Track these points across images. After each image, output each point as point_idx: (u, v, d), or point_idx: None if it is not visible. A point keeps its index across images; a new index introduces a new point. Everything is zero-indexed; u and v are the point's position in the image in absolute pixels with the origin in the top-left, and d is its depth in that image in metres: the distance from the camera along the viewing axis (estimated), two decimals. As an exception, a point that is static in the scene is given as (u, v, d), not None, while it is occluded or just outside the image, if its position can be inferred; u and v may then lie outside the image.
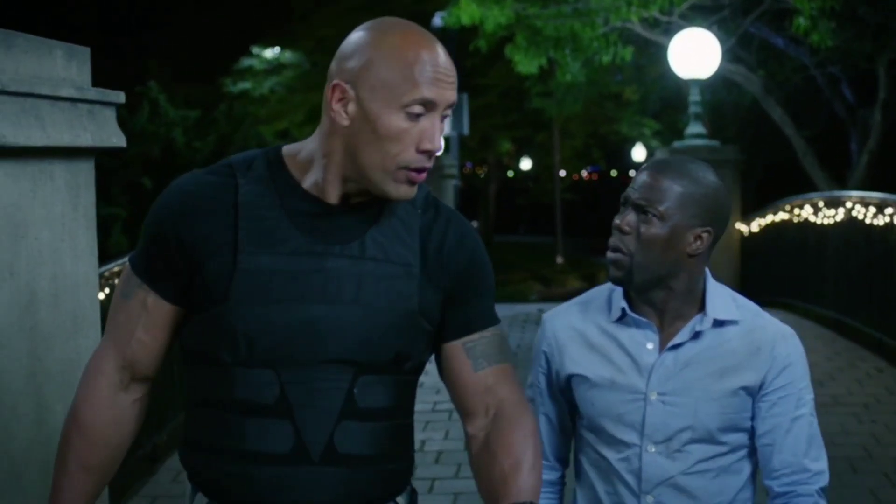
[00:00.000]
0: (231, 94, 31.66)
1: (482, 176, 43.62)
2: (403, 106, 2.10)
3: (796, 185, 18.12)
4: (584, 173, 48.22)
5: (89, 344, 3.40)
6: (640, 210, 2.47)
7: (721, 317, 2.55)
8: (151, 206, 2.27)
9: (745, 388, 2.54)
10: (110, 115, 3.51)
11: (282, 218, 2.17)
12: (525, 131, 36.17)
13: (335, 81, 2.13)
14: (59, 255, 3.30)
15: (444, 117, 2.16)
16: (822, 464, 2.59)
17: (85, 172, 3.47)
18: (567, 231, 38.45)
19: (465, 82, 23.33)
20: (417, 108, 2.11)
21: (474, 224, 41.76)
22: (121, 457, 2.34)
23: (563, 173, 40.98)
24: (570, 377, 2.62)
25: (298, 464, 2.16)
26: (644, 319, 2.55)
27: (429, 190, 2.34)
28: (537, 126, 34.53)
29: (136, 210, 19.76)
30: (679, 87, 18.20)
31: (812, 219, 11.80)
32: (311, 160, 2.20)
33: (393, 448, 2.26)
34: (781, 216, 13.03)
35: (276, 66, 33.83)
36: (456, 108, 13.78)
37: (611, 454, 2.58)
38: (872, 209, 9.85)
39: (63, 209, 3.33)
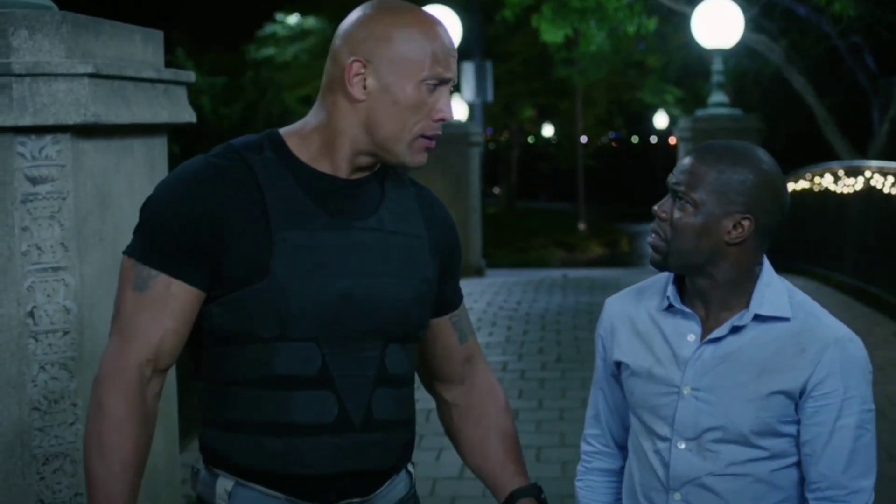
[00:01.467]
0: (255, 61, 31.88)
1: (504, 142, 43.74)
2: (422, 80, 2.23)
3: (819, 154, 18.30)
4: (607, 139, 48.32)
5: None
6: (676, 196, 2.38)
7: (765, 312, 2.39)
8: (153, 195, 2.29)
9: (785, 392, 2.37)
10: (182, 93, 3.82)
11: (302, 196, 2.24)
12: (548, 98, 36.31)
13: (352, 59, 2.23)
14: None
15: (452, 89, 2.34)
16: (863, 482, 2.37)
17: (159, 147, 3.79)
18: (589, 198, 38.65)
19: (489, 49, 23.51)
20: (433, 81, 2.24)
21: (496, 190, 41.55)
22: (149, 452, 2.31)
23: (584, 139, 41.15)
24: (617, 363, 2.56)
25: (343, 432, 2.25)
26: (688, 310, 2.44)
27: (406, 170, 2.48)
28: (560, 93, 34.68)
29: (166, 176, 20.01)
30: (701, 56, 18.37)
31: (832, 187, 12.04)
32: (316, 139, 2.29)
33: (412, 413, 2.40)
34: (802, 184, 13.27)
35: (299, 33, 33.98)
36: (480, 75, 13.93)
37: (647, 445, 2.49)
38: (891, 178, 10.09)
39: (141, 181, 3.64)
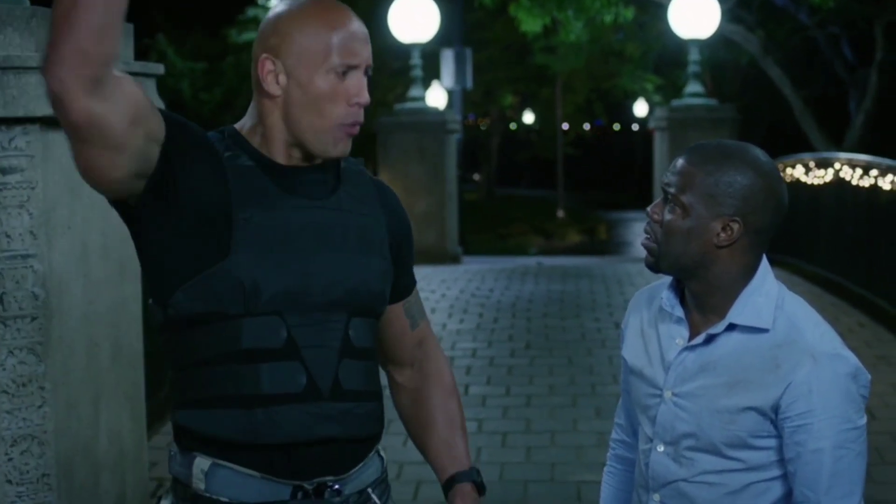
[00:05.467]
0: (236, 45, 31.82)
1: (484, 129, 43.77)
2: (329, 69, 2.27)
3: (795, 145, 18.44)
4: (587, 127, 48.36)
5: (134, 291, 3.82)
6: (667, 197, 2.35)
7: (740, 322, 2.34)
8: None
9: (756, 409, 2.31)
10: (151, 85, 3.91)
11: (262, 177, 2.31)
12: (528, 86, 36.36)
13: (263, 56, 2.29)
14: (106, 212, 3.70)
15: (367, 74, 2.34)
16: (845, 503, 2.30)
17: (128, 137, 3.87)
18: (568, 185, 38.74)
19: (469, 36, 23.54)
20: (341, 69, 2.28)
21: (476, 177, 41.40)
22: None
23: (565, 126, 41.22)
24: (624, 358, 2.57)
25: (312, 401, 2.29)
26: (677, 313, 2.42)
27: (362, 160, 2.55)
28: (540, 81, 34.72)
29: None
30: (679, 45, 18.50)
31: (803, 179, 12.16)
32: (257, 135, 2.35)
33: (379, 386, 2.45)
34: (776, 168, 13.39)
35: (281, 17, 33.80)
36: (459, 62, 13.95)
37: (640, 443, 2.50)
38: (859, 171, 10.21)
39: (110, 170, 3.72)
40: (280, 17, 2.32)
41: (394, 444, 6.46)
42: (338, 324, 2.33)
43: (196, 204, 2.25)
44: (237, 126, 2.40)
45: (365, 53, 2.33)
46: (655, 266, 2.38)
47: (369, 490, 2.43)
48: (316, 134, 2.33)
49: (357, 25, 2.32)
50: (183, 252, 2.26)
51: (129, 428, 4.05)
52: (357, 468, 2.40)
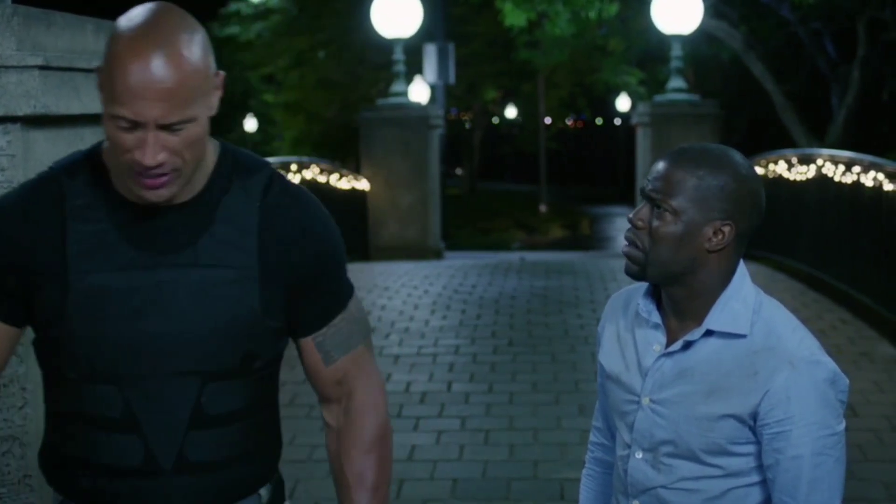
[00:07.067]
0: (218, 39, 31.77)
1: (467, 124, 43.78)
2: (111, 115, 2.00)
3: (777, 141, 18.49)
4: (570, 122, 48.43)
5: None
6: (654, 203, 2.29)
7: (717, 328, 2.31)
8: None
9: (734, 416, 2.29)
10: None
11: (110, 230, 2.11)
12: (511, 81, 36.40)
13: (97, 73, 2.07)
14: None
15: (173, 130, 2.01)
16: None
17: (110, 135, 3.86)
18: (551, 180, 38.79)
19: (452, 30, 23.54)
20: (122, 122, 1.99)
21: (458, 172, 41.51)
22: None
23: (548, 121, 41.26)
24: (601, 364, 2.54)
25: (151, 476, 2.16)
26: (654, 319, 2.38)
27: (272, 173, 2.23)
28: (523, 76, 34.76)
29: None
30: (662, 40, 18.52)
31: (786, 175, 12.19)
32: (111, 159, 2.12)
33: (249, 447, 2.25)
34: (757, 171, 13.42)
35: (263, 11, 33.86)
36: (442, 57, 13.97)
37: (619, 448, 2.47)
38: (842, 167, 10.23)
39: (92, 169, 3.71)
40: (112, 32, 2.06)
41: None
42: (187, 391, 2.15)
43: (27, 286, 2.14)
44: (104, 145, 2.16)
45: (149, 111, 1.98)
46: (641, 275, 2.32)
47: None
48: (120, 174, 2.10)
49: (152, 76, 1.97)
50: (33, 303, 2.16)
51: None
52: None
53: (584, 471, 2.74)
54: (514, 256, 15.43)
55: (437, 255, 14.53)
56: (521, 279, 11.53)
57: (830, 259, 10.59)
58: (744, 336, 2.30)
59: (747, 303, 2.32)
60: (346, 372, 2.33)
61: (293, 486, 5.80)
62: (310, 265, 2.23)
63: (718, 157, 2.30)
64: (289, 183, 2.26)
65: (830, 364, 2.29)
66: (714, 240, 2.28)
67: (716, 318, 2.30)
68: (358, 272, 12.11)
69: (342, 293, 2.31)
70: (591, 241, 28.36)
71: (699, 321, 2.32)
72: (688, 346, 2.33)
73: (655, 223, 2.28)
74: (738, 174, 2.28)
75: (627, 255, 2.32)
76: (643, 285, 2.42)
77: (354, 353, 2.34)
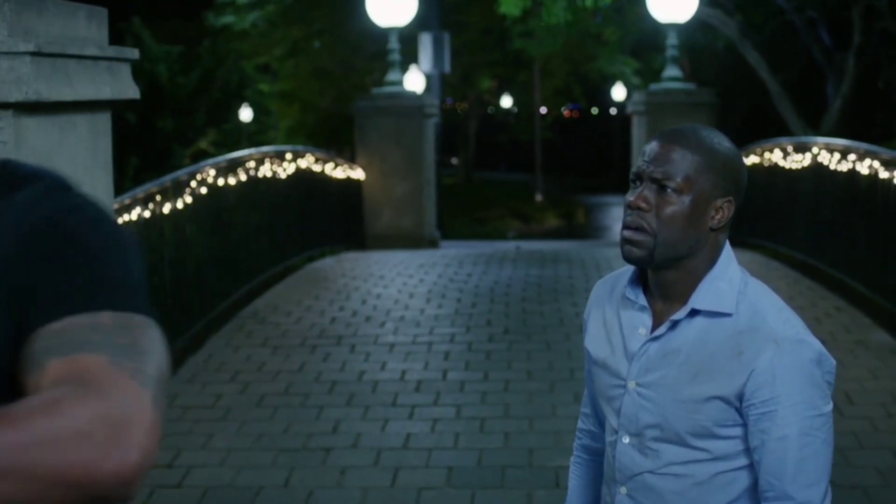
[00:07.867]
0: (213, 28, 31.74)
1: (462, 113, 43.73)
2: None
3: (773, 129, 18.47)
4: (565, 111, 48.39)
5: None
6: (658, 184, 2.25)
7: (702, 307, 2.28)
8: None
9: (721, 398, 2.26)
10: (126, 70, 3.87)
11: None
12: (506, 70, 36.37)
13: None
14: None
15: None
16: (812, 492, 2.24)
17: (103, 122, 3.84)
18: (547, 169, 38.77)
19: (447, 19, 23.52)
20: None
21: (454, 161, 41.31)
22: None
23: (543, 110, 41.23)
24: (587, 349, 2.53)
25: None
26: (641, 301, 2.36)
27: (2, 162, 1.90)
28: (518, 65, 34.73)
29: (122, 144, 20.04)
30: (657, 29, 18.50)
31: (781, 163, 12.17)
32: None
33: None
34: (753, 159, 13.40)
35: (258, 1, 33.80)
36: (437, 46, 13.91)
37: (606, 434, 2.46)
38: (837, 155, 10.22)
39: (84, 157, 3.69)
40: None
41: (372, 430, 6.46)
42: None
43: None
44: None
45: None
46: (648, 259, 2.27)
47: None
48: None
49: None
50: None
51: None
52: None
53: (571, 458, 2.73)
54: (509, 245, 15.41)
55: (433, 244, 14.51)
56: (516, 268, 11.52)
57: (826, 247, 10.59)
58: (729, 315, 2.27)
59: (733, 283, 2.29)
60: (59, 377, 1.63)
61: (288, 474, 5.79)
62: (22, 255, 1.31)
63: (711, 136, 2.29)
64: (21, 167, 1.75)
65: (816, 344, 2.26)
66: (717, 217, 2.26)
67: (701, 298, 2.28)
68: (353, 261, 12.10)
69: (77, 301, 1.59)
70: (586, 229, 28.36)
71: (684, 302, 2.30)
72: (674, 325, 2.30)
73: (662, 203, 2.24)
74: (732, 151, 2.28)
75: (631, 241, 2.26)
76: (628, 270, 2.40)
77: (69, 357, 1.49)
